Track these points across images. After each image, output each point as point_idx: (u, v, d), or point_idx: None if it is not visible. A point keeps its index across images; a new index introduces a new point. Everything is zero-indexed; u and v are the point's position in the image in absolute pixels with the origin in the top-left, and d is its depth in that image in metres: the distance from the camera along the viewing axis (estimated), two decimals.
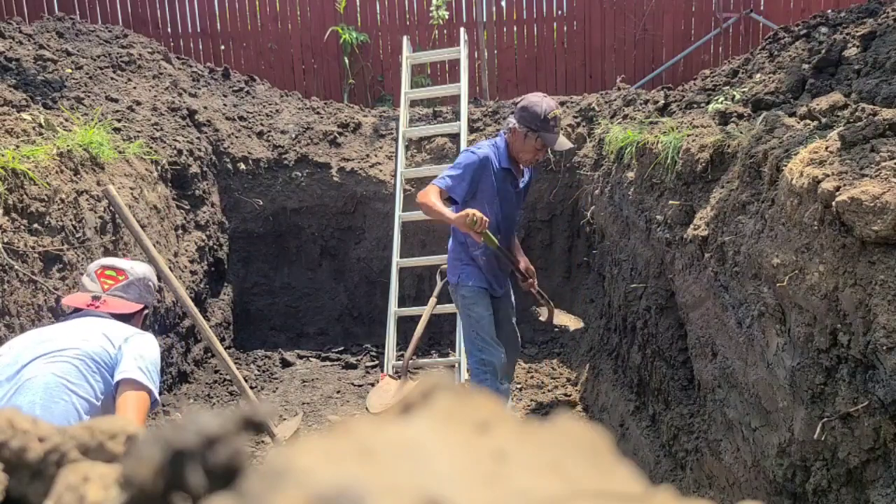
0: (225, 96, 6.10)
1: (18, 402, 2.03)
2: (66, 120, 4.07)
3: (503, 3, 8.01)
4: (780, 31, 4.61)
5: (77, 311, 2.45)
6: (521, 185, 3.85)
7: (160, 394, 2.59)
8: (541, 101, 3.60)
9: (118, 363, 2.23)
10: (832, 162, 1.89)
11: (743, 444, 2.42)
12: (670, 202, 3.14)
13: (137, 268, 2.61)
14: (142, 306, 2.56)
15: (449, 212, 3.51)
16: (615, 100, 5.57)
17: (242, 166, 5.53)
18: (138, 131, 4.76)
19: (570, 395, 4.63)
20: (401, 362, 4.58)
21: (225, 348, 4.24)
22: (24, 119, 3.59)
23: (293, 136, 5.77)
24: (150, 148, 4.66)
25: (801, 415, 1.95)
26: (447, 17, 7.75)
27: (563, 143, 3.68)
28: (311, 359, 5.37)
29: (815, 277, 1.87)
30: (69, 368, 2.15)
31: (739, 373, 2.43)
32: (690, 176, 3.01)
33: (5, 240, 2.75)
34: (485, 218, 3.33)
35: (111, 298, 2.47)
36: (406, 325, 5.12)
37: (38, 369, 2.12)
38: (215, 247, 5.35)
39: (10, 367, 2.14)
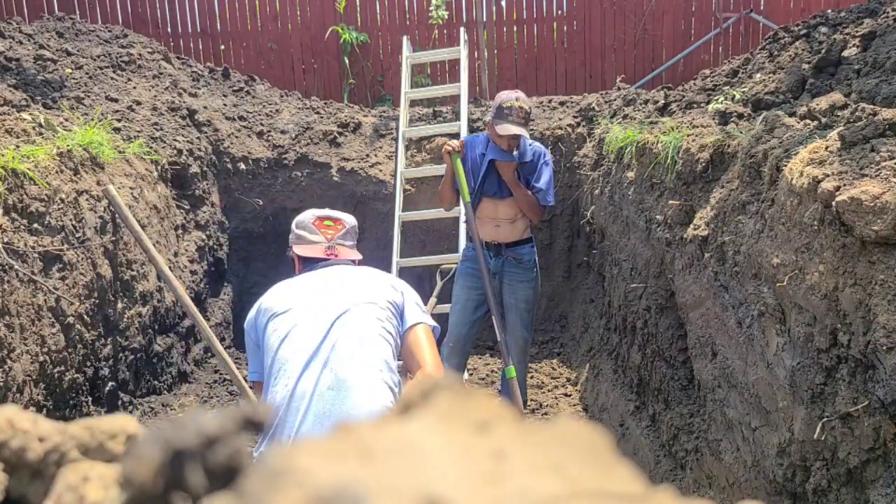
0: (225, 96, 6.09)
1: (344, 372, 2.15)
2: (66, 120, 4.07)
3: (503, 3, 8.01)
4: (780, 31, 4.61)
5: (314, 262, 2.51)
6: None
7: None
8: (502, 94, 3.92)
9: (405, 309, 2.43)
10: (832, 162, 1.88)
11: (743, 444, 2.41)
12: (670, 202, 3.14)
13: (348, 218, 2.68)
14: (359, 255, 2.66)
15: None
16: (615, 100, 5.57)
17: (242, 166, 5.53)
18: (138, 131, 4.75)
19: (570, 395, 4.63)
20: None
21: (225, 348, 4.24)
22: (24, 119, 3.59)
23: (293, 135, 5.77)
24: (150, 148, 4.66)
25: (801, 415, 1.95)
26: (447, 16, 7.75)
27: (509, 128, 3.76)
28: None
29: (815, 277, 1.87)
30: (375, 322, 2.30)
31: (739, 373, 2.43)
32: (690, 176, 3.01)
33: (5, 240, 2.75)
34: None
35: (339, 247, 2.53)
36: None
37: (345, 332, 2.22)
38: (215, 246, 5.35)
39: (305, 339, 2.16)
